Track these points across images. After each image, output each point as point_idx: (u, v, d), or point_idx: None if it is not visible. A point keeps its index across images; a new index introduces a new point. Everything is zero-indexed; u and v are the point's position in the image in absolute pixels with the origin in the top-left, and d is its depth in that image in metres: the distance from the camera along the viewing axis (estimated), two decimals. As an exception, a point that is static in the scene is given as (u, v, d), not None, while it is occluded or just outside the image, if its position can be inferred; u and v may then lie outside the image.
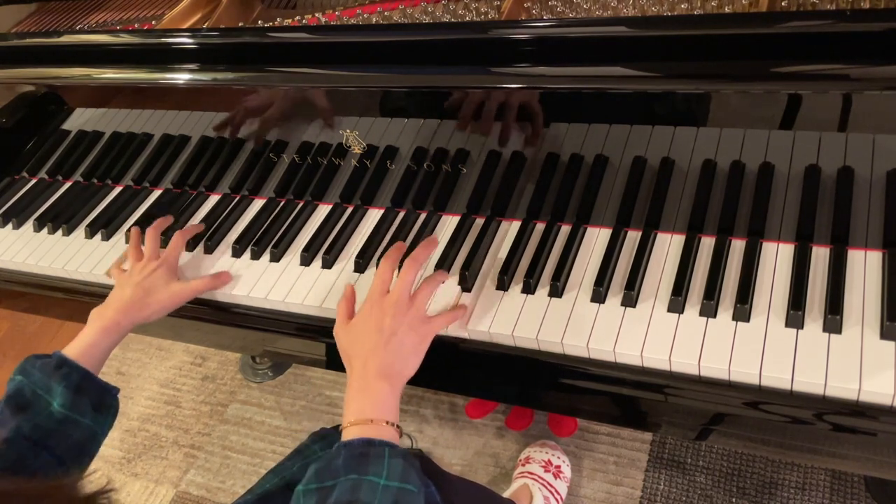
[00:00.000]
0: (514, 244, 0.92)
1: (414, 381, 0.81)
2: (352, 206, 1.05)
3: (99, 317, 0.91)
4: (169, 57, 1.03)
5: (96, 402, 0.84)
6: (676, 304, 0.80)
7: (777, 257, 0.82)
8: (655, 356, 0.77)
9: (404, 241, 0.98)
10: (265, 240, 1.03)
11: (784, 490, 1.36)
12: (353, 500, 0.65)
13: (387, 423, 0.74)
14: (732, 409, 0.76)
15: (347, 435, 0.73)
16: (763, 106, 0.76)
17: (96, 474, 0.65)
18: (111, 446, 1.79)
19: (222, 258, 1.04)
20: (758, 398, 0.74)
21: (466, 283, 0.89)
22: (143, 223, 1.13)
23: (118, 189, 1.22)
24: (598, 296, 0.84)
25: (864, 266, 0.78)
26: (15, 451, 0.76)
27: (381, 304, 0.82)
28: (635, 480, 1.44)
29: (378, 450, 0.70)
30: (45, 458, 0.77)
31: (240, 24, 1.13)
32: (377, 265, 0.95)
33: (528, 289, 0.87)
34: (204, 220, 1.10)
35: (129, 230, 1.12)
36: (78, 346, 0.87)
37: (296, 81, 0.97)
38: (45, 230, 1.19)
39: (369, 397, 0.76)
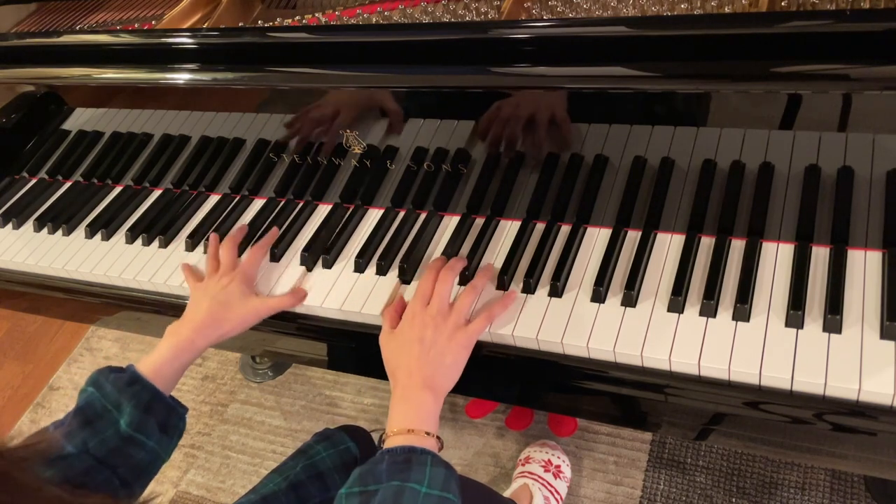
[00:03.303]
0: (514, 244, 0.92)
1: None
2: (352, 206, 1.05)
3: (174, 334, 0.88)
4: (169, 57, 1.03)
5: (163, 422, 0.81)
6: (676, 303, 0.80)
7: (777, 257, 0.82)
8: (655, 356, 0.77)
9: (404, 240, 0.98)
10: (265, 240, 1.03)
11: (784, 490, 1.36)
12: None
13: (427, 433, 0.75)
14: (732, 409, 0.76)
15: (390, 443, 0.74)
16: (763, 106, 0.76)
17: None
18: (111, 446, 1.79)
19: (222, 258, 1.04)
20: (758, 398, 0.74)
21: (467, 283, 0.89)
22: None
23: (118, 189, 1.22)
24: (598, 296, 0.84)
25: (864, 266, 0.78)
26: (80, 465, 0.74)
27: (421, 316, 0.83)
28: (635, 480, 1.44)
29: (421, 458, 0.71)
30: (107, 476, 0.76)
31: (240, 24, 1.13)
32: (377, 265, 0.96)
33: (528, 289, 0.87)
34: (204, 220, 1.10)
35: (130, 231, 1.12)
36: (151, 363, 0.84)
37: (296, 81, 0.97)
38: (45, 230, 1.19)
39: (413, 407, 0.77)
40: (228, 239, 1.01)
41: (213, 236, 1.04)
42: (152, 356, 0.85)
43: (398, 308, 0.87)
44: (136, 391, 0.80)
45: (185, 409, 0.85)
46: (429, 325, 0.82)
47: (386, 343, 0.84)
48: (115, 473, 0.76)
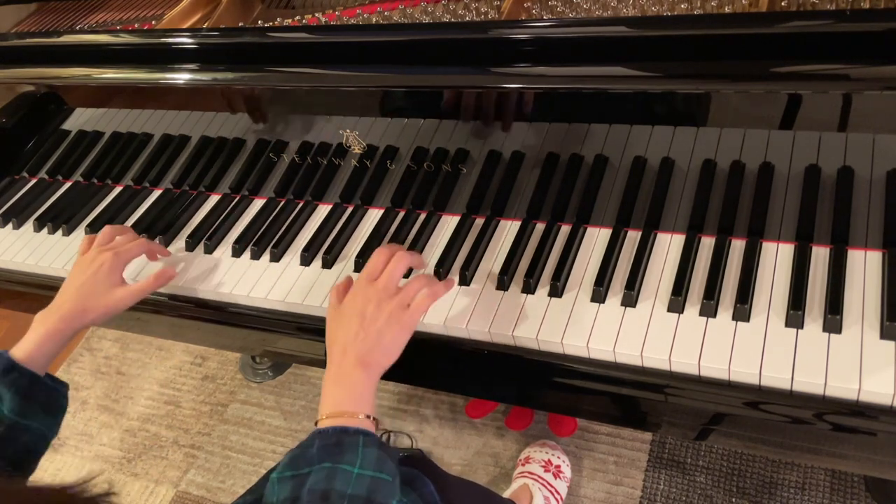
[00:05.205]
0: (514, 244, 0.92)
1: (414, 382, 0.81)
2: (352, 206, 1.05)
3: (42, 322, 0.89)
4: (169, 57, 1.03)
5: (46, 404, 0.84)
6: (676, 303, 0.80)
7: (777, 257, 0.82)
8: (655, 356, 0.77)
9: (404, 241, 0.98)
10: (265, 240, 1.03)
11: (784, 490, 1.36)
12: (328, 489, 0.66)
13: (366, 416, 0.74)
14: (732, 409, 0.76)
15: (323, 426, 0.73)
16: (763, 106, 0.76)
17: (100, 478, 0.66)
18: (111, 446, 1.79)
19: (222, 258, 1.04)
20: (758, 398, 0.74)
21: (466, 283, 0.90)
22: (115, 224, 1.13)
23: (118, 189, 1.22)
24: (598, 296, 0.84)
25: (864, 266, 0.78)
26: None
27: (365, 290, 0.81)
28: (635, 480, 1.44)
29: (353, 438, 0.70)
30: None
31: (240, 24, 1.14)
32: (377, 265, 0.95)
33: (528, 289, 0.87)
34: (204, 219, 1.10)
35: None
36: (25, 348, 0.86)
37: (296, 81, 0.97)
38: (45, 230, 1.19)
39: (346, 388, 0.76)
40: (111, 228, 1.01)
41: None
42: (24, 343, 0.87)
43: (347, 285, 0.85)
44: (14, 378, 0.82)
45: (66, 386, 0.88)
46: (372, 299, 0.79)
47: (332, 317, 0.82)
48: (4, 458, 0.78)
